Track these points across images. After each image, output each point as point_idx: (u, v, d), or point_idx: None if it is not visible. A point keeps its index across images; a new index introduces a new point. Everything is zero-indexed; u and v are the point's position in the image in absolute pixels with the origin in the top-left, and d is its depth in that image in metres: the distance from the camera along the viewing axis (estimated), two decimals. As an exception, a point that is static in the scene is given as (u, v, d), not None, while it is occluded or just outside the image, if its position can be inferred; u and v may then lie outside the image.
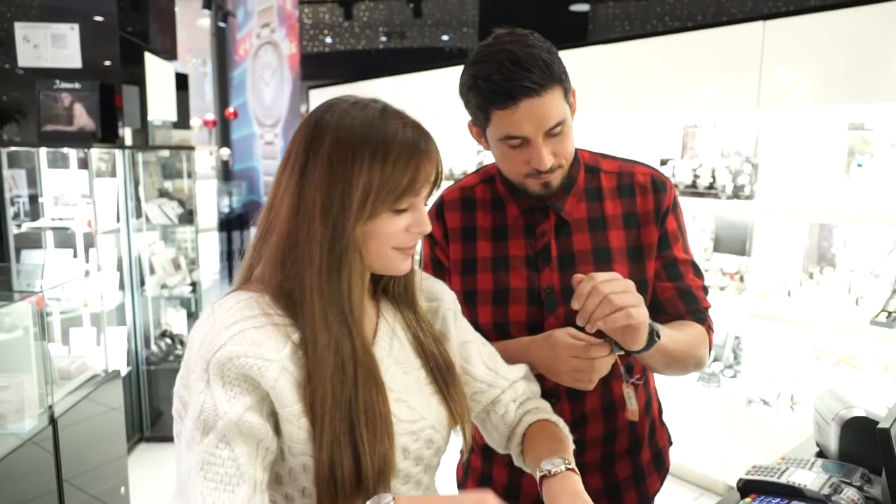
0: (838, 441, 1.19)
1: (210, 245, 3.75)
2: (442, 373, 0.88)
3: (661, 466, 1.23)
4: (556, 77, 0.97)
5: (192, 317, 3.75)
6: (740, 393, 2.78)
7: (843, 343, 2.64)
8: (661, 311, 1.12)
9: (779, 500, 1.05)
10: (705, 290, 1.17)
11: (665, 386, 1.63)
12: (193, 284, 3.58)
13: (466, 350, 0.96)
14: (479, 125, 1.05)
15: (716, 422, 2.81)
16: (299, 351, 0.76)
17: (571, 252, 1.10)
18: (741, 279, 2.87)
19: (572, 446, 0.91)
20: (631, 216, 1.11)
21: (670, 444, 1.28)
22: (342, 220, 0.75)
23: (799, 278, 2.75)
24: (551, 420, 0.94)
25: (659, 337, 0.97)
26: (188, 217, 3.51)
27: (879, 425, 0.81)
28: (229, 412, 0.70)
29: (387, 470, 0.77)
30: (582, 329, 0.98)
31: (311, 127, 0.78)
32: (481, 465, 1.21)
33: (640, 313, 0.90)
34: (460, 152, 4.24)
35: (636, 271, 1.10)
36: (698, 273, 1.16)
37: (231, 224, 7.04)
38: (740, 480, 1.15)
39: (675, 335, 1.05)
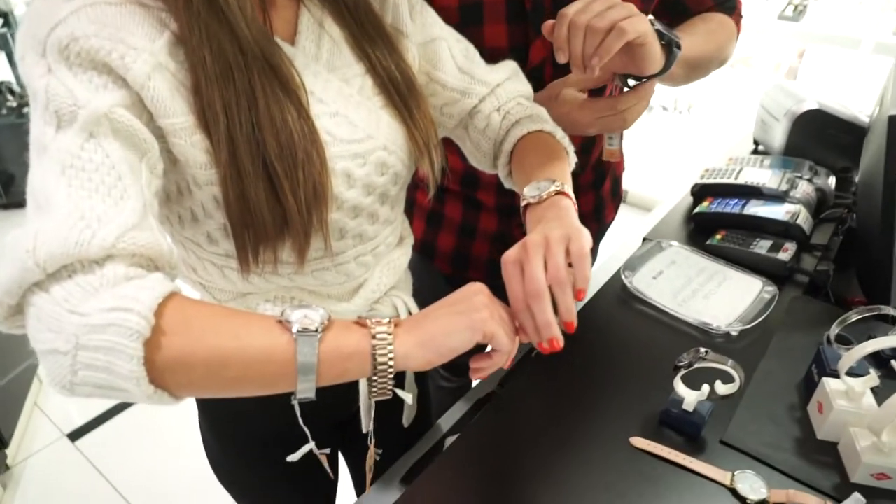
0: (786, 136, 1.16)
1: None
2: (396, 85, 0.66)
3: (616, 195, 1.15)
4: None
5: (12, 59, 3.05)
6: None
7: (742, 44, 2.63)
8: (686, 13, 0.95)
9: (736, 200, 1.02)
10: None
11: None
12: (4, 16, 2.84)
13: (433, 50, 0.73)
14: None
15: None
16: (183, 47, 0.54)
17: None
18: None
19: (573, 159, 0.73)
20: None
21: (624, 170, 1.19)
22: None
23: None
24: (545, 130, 0.73)
25: (679, 47, 0.77)
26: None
27: (891, 113, 0.73)
28: (93, 101, 0.49)
29: (320, 203, 0.59)
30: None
31: None
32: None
33: (635, 23, 0.70)
34: None
35: None
36: None
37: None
38: (695, 185, 1.11)
39: (696, 41, 0.89)
